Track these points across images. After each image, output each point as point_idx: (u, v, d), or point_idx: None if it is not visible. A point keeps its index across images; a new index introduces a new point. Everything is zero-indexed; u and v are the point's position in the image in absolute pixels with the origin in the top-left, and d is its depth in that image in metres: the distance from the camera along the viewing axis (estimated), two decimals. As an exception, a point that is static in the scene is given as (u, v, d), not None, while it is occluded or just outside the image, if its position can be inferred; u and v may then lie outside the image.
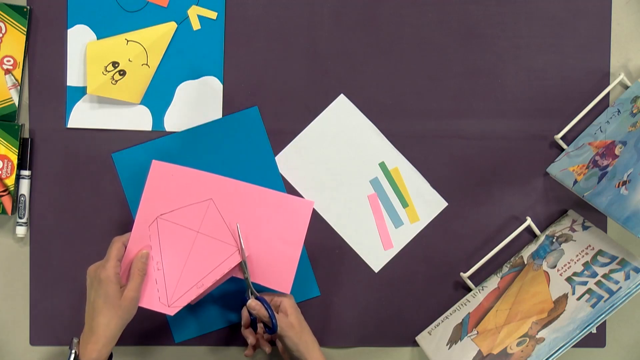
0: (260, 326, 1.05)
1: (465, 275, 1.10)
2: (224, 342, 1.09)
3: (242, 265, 1.00)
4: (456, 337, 1.05)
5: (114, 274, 0.95)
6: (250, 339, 1.03)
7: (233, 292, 1.07)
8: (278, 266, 1.00)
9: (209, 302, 1.07)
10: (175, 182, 1.00)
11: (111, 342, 0.94)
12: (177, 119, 1.07)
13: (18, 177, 1.05)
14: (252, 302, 0.99)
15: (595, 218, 1.08)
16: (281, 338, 1.00)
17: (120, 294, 0.95)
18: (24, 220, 1.05)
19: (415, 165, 1.10)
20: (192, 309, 1.07)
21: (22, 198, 1.05)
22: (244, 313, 1.03)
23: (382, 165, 1.10)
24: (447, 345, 1.05)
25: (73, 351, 0.93)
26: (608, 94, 1.10)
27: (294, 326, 0.99)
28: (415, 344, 1.11)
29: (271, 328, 0.99)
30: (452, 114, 1.10)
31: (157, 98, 1.07)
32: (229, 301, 1.08)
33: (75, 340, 0.94)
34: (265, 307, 0.98)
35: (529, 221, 1.10)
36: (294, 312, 1.00)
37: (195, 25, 1.07)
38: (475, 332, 1.04)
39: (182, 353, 1.09)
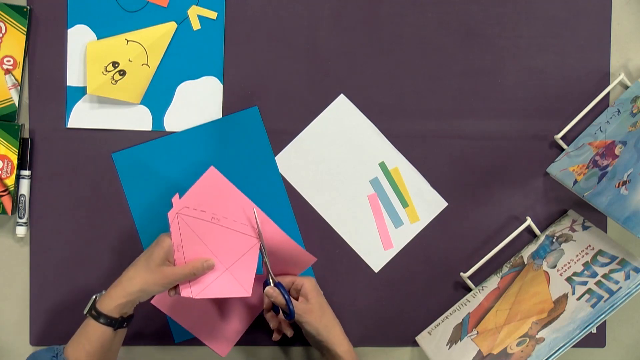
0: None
1: (465, 275, 1.10)
2: (224, 342, 1.09)
3: (261, 250, 1.00)
4: (456, 337, 1.05)
5: (168, 246, 0.94)
6: (272, 323, 1.03)
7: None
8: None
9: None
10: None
11: (125, 296, 0.92)
12: (177, 119, 1.07)
13: (18, 177, 1.05)
14: (269, 289, 0.99)
15: (595, 218, 1.08)
16: (300, 324, 1.00)
17: (161, 263, 0.93)
18: (24, 220, 1.05)
19: (415, 165, 1.10)
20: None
21: (22, 198, 1.05)
22: (266, 297, 1.02)
23: (382, 165, 1.10)
24: (447, 345, 1.05)
25: (94, 296, 0.94)
26: (608, 94, 1.10)
27: (313, 311, 0.99)
28: (415, 344, 1.11)
29: (289, 314, 0.99)
30: (452, 114, 1.10)
31: (157, 98, 1.07)
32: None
33: (104, 292, 0.94)
34: (282, 293, 0.98)
35: (529, 221, 1.10)
36: (315, 295, 1.00)
37: (195, 25, 1.07)
38: (475, 332, 1.04)
39: (182, 353, 1.09)
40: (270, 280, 1.00)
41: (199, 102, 1.07)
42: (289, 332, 1.04)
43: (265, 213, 0.99)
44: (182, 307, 1.05)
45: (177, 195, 0.97)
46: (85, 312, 0.94)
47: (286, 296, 0.98)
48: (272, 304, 1.03)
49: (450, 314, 1.10)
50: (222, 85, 1.07)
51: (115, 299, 0.92)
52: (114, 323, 0.92)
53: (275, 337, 1.04)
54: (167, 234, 0.96)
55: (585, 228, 1.07)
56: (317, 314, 0.99)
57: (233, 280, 0.97)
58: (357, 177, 1.10)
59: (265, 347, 1.10)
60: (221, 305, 1.06)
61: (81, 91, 1.06)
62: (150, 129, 1.07)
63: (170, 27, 1.06)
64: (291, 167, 1.09)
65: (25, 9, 1.04)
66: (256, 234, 0.98)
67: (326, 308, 1.02)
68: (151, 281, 0.92)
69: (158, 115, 1.07)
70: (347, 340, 1.01)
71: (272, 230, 0.99)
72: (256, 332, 1.08)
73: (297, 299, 1.01)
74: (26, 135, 1.06)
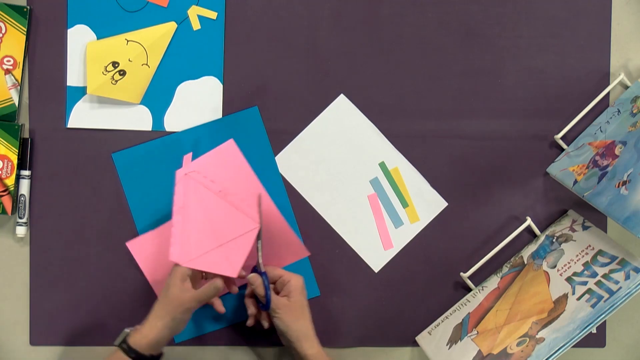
0: None
1: (465, 275, 1.10)
2: (223, 342, 1.09)
3: (258, 236, 0.99)
4: (456, 337, 1.05)
5: (180, 272, 0.95)
6: (251, 309, 1.03)
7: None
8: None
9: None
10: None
11: (155, 331, 0.94)
12: (177, 119, 1.07)
13: (18, 177, 1.05)
14: (252, 276, 0.99)
15: (595, 218, 1.08)
16: (273, 318, 0.99)
17: (178, 290, 0.94)
18: (24, 220, 1.05)
19: (415, 165, 1.10)
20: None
21: (22, 198, 1.05)
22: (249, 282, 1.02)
23: (382, 165, 1.10)
24: (447, 345, 1.05)
25: (126, 330, 0.95)
26: (608, 94, 1.10)
27: (291, 309, 0.98)
28: (415, 344, 1.11)
29: (264, 305, 0.98)
30: (452, 114, 1.10)
31: (157, 98, 1.07)
32: (229, 301, 1.08)
33: (137, 326, 0.96)
34: (263, 282, 0.98)
35: (529, 221, 1.10)
36: (298, 294, 0.99)
37: (195, 25, 1.07)
38: (475, 332, 1.04)
39: (182, 353, 1.09)
40: (258, 267, 1.00)
41: (199, 102, 1.07)
42: (266, 323, 1.03)
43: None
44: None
45: (190, 154, 0.96)
46: (116, 343, 0.95)
47: (266, 284, 0.98)
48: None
49: (450, 314, 1.10)
50: (222, 85, 1.07)
51: (146, 335, 0.94)
52: (143, 359, 0.94)
53: (250, 322, 1.03)
54: (177, 266, 0.97)
55: (585, 228, 1.07)
56: (295, 313, 0.98)
57: (223, 257, 0.97)
58: (357, 177, 1.10)
59: (265, 348, 1.10)
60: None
61: (81, 91, 1.06)
62: (150, 129, 1.07)
63: (170, 27, 1.06)
64: (291, 167, 1.09)
65: (25, 9, 1.04)
66: (259, 219, 0.98)
67: (306, 311, 1.00)
68: (172, 310, 0.94)
69: (158, 115, 1.07)
70: (318, 343, 0.99)
71: (273, 215, 0.99)
72: (257, 332, 1.08)
73: (278, 293, 1.01)
74: (26, 135, 1.06)
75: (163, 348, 0.97)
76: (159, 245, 1.03)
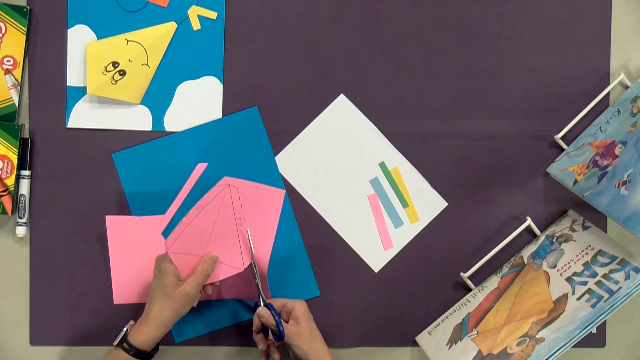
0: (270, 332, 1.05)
1: (465, 275, 1.10)
2: (223, 341, 1.09)
3: (252, 270, 1.01)
4: (456, 337, 1.05)
5: (172, 267, 0.98)
6: (261, 345, 1.03)
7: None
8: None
9: (209, 302, 1.07)
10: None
11: (160, 329, 0.96)
12: (177, 119, 1.07)
13: (18, 177, 1.05)
14: (261, 310, 1.00)
15: (595, 218, 1.08)
16: (289, 347, 1.00)
17: (175, 286, 0.97)
18: (24, 220, 1.05)
19: (415, 165, 1.10)
20: (192, 308, 1.07)
21: (22, 198, 1.05)
22: (256, 319, 1.03)
23: (382, 165, 1.10)
24: (447, 345, 1.05)
25: (125, 328, 0.97)
26: (608, 94, 1.10)
27: (303, 334, 0.99)
28: (415, 344, 1.11)
29: (278, 335, 0.99)
30: (452, 114, 1.10)
31: (157, 98, 1.07)
32: (228, 301, 1.08)
33: (131, 322, 0.99)
34: (272, 315, 0.99)
35: (529, 221, 1.10)
36: (305, 319, 1.00)
37: (195, 25, 1.07)
38: (475, 332, 1.04)
39: (182, 353, 1.09)
40: (261, 301, 1.01)
41: (199, 102, 1.07)
42: (276, 356, 1.03)
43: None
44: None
45: (205, 164, 1.01)
46: (115, 344, 0.96)
47: (276, 317, 0.99)
48: (261, 325, 1.03)
49: (450, 314, 1.10)
50: (222, 85, 1.07)
51: (148, 333, 0.95)
52: (146, 355, 0.96)
53: None
54: (162, 258, 0.99)
55: (585, 228, 1.07)
56: (307, 337, 0.99)
57: (222, 265, 1.01)
58: (357, 177, 1.10)
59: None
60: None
61: (81, 91, 1.06)
62: (150, 129, 1.07)
63: (170, 27, 1.06)
64: (291, 167, 1.09)
65: (25, 9, 1.04)
66: (246, 264, 1.01)
67: (316, 333, 1.01)
68: (178, 306, 0.96)
69: (158, 115, 1.07)
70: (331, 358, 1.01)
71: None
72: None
73: (287, 322, 1.01)
74: (26, 135, 1.06)
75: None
76: (137, 232, 1.05)
